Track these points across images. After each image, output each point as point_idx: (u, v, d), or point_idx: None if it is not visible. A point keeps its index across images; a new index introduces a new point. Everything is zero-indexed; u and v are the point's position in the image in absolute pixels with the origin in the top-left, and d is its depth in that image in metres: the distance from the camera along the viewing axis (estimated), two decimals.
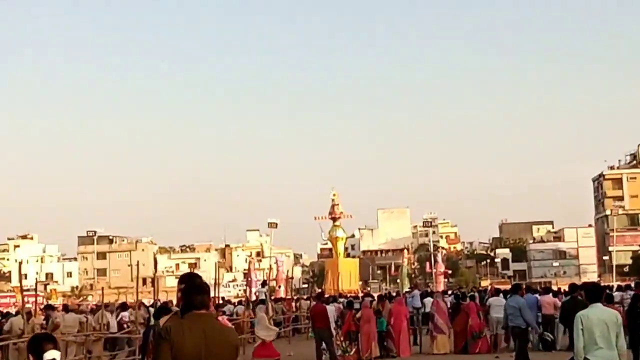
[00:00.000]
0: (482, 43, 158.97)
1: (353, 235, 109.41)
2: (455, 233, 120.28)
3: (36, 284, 28.94)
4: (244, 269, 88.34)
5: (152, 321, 10.47)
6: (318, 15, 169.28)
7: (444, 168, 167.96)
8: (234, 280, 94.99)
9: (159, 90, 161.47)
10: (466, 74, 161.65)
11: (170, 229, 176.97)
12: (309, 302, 28.97)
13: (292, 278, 41.99)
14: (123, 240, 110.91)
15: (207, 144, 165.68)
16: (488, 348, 18.34)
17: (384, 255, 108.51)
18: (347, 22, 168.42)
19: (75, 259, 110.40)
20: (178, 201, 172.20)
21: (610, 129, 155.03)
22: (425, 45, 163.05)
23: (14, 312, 23.11)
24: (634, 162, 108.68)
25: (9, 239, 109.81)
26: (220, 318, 13.25)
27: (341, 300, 26.99)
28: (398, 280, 68.07)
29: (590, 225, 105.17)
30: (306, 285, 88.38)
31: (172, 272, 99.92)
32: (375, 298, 23.38)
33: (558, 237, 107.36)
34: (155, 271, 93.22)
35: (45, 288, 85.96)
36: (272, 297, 35.38)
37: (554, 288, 30.15)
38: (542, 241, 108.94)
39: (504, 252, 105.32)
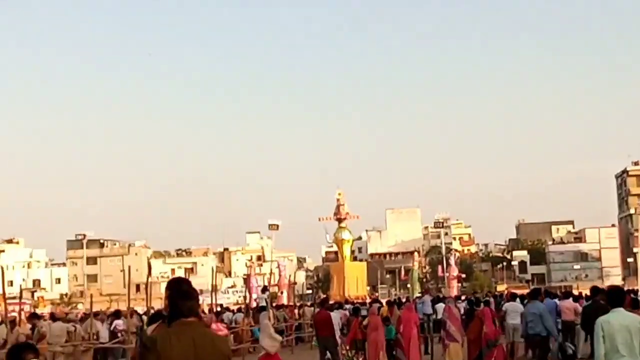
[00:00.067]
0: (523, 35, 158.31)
1: (360, 237, 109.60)
2: (469, 234, 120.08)
3: (21, 291, 28.88)
4: (244, 274, 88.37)
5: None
6: (318, 15, 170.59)
7: (457, 165, 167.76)
8: (233, 286, 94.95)
9: (158, 90, 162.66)
10: (479, 69, 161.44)
11: (165, 232, 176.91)
12: (312, 309, 29.00)
13: (295, 283, 42.16)
14: (115, 244, 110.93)
15: (206, 143, 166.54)
16: (504, 357, 18.25)
17: (393, 258, 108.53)
18: (347, 22, 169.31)
19: (64, 264, 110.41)
20: (173, 202, 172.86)
21: (634, 122, 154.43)
22: (439, 41, 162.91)
23: None
24: None
25: None
26: (213, 325, 13.23)
27: (347, 306, 27.03)
28: (408, 285, 68.12)
29: (613, 225, 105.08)
30: (310, 291, 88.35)
31: (167, 277, 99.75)
32: (384, 304, 23.37)
33: (579, 238, 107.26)
34: (149, 277, 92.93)
35: (32, 295, 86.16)
36: (274, 304, 35.45)
37: (575, 292, 30.04)
38: (562, 242, 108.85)
39: (521, 255, 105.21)
